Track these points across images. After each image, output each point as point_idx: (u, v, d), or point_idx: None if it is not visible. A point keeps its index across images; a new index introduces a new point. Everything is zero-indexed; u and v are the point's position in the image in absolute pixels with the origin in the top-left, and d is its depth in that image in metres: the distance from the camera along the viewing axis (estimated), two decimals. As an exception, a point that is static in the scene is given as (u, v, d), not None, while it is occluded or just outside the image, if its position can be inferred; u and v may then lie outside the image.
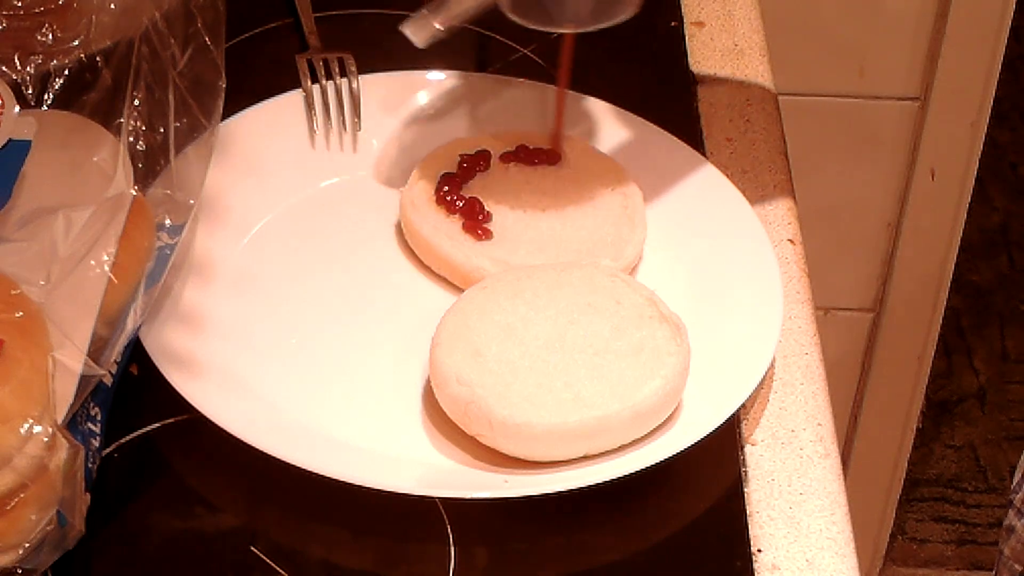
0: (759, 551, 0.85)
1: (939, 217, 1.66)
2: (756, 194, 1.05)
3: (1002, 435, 2.16)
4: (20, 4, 0.96)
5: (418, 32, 0.94)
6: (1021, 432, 2.16)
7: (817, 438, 0.91)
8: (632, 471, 0.85)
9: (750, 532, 0.86)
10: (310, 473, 0.84)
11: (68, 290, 0.83)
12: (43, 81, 0.93)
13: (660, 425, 0.89)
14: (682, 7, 1.19)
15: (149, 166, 0.93)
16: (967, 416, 2.17)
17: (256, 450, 0.85)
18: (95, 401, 0.84)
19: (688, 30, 1.17)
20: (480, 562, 0.85)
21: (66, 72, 0.93)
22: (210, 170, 0.95)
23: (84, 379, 0.81)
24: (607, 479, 0.85)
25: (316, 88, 1.07)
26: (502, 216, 0.99)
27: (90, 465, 0.83)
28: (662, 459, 0.86)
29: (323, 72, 1.08)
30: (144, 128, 0.93)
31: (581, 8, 0.93)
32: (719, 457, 0.90)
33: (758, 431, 0.91)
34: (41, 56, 0.94)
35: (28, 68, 0.93)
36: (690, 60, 1.15)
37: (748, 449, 0.90)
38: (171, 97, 0.93)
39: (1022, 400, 2.19)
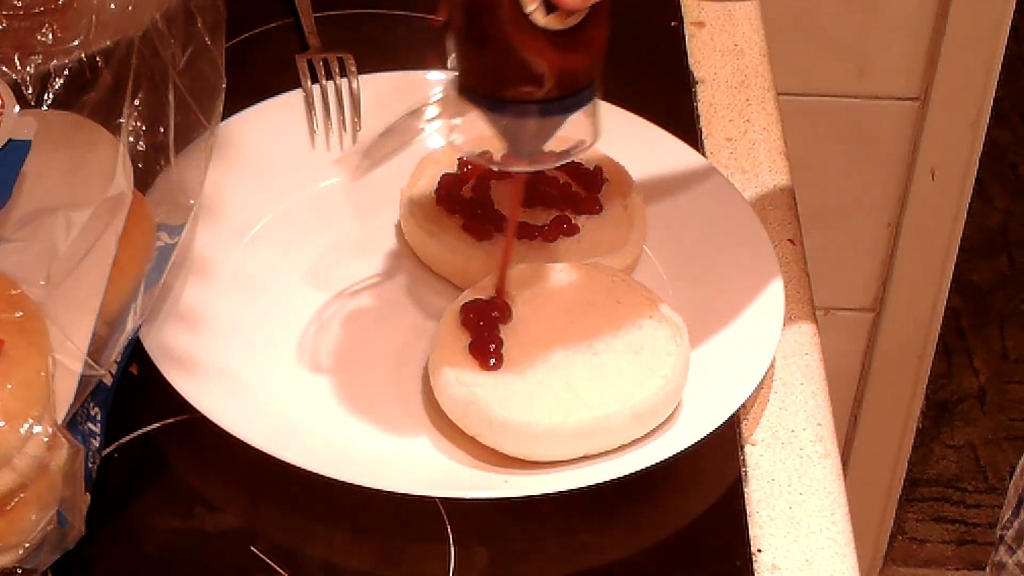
0: (759, 551, 0.85)
1: (939, 217, 1.66)
2: (756, 194, 1.05)
3: (1002, 435, 2.16)
4: (20, 4, 0.96)
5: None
6: (1021, 432, 2.16)
7: (817, 438, 0.91)
8: (632, 471, 0.85)
9: (750, 532, 0.86)
10: (310, 473, 0.84)
11: (68, 290, 0.83)
12: (43, 81, 0.93)
13: (660, 425, 0.89)
14: (682, 7, 1.19)
15: (149, 166, 0.93)
16: (967, 416, 2.17)
17: (256, 450, 0.85)
18: (95, 401, 0.84)
19: (688, 30, 1.17)
20: (480, 562, 0.85)
21: (66, 72, 0.93)
22: (210, 170, 0.95)
23: (84, 379, 0.81)
24: (607, 479, 0.85)
25: (316, 88, 1.07)
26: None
27: (90, 465, 0.83)
28: (662, 459, 0.86)
29: (323, 72, 1.08)
30: (144, 128, 0.93)
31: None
32: (719, 457, 0.90)
33: (758, 431, 0.91)
34: (41, 56, 0.94)
35: (28, 68, 0.93)
36: (690, 60, 1.15)
37: (748, 449, 0.90)
38: (171, 97, 0.93)
39: (1022, 400, 2.19)
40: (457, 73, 0.82)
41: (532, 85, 0.80)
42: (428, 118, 0.87)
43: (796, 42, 1.52)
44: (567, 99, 0.81)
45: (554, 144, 0.85)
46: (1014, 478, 1.09)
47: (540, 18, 0.77)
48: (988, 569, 1.11)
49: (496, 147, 0.99)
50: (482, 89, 0.82)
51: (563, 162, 0.87)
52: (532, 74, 0.79)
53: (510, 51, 0.78)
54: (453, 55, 0.82)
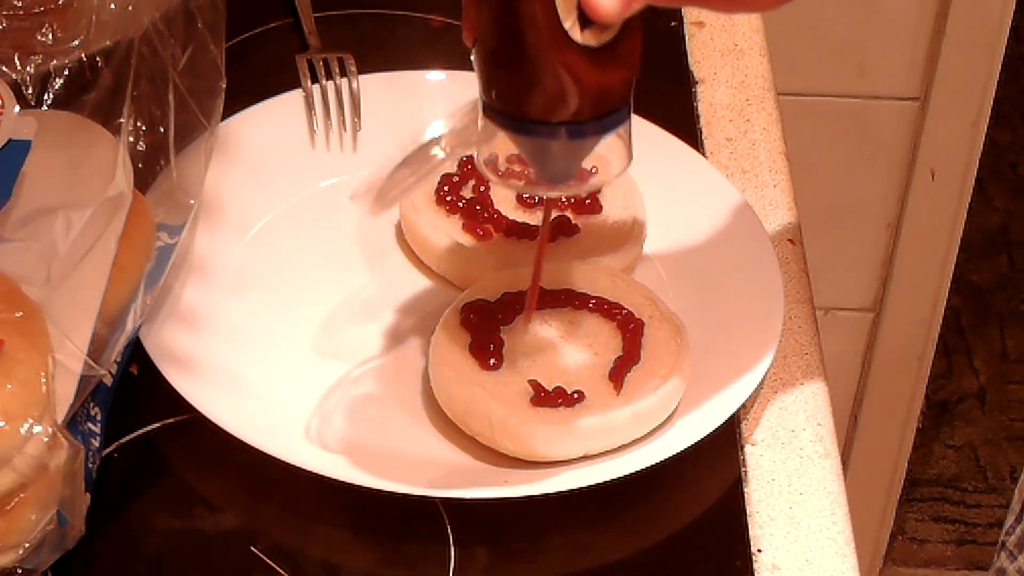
0: (759, 551, 0.85)
1: (939, 217, 1.66)
2: (756, 194, 1.05)
3: (1002, 435, 2.16)
4: (20, 4, 0.96)
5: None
6: (1021, 432, 2.16)
7: (817, 438, 0.91)
8: (632, 471, 0.85)
9: (750, 532, 0.86)
10: (310, 473, 0.84)
11: (68, 290, 0.83)
12: (43, 81, 0.93)
13: (660, 425, 0.89)
14: (682, 7, 1.19)
15: (149, 166, 0.93)
16: (967, 416, 2.17)
17: (256, 450, 0.85)
18: (95, 401, 0.84)
19: (688, 30, 1.17)
20: (480, 562, 0.85)
21: (66, 72, 0.93)
22: (210, 170, 0.95)
23: (84, 379, 0.81)
24: (607, 479, 0.85)
25: (316, 88, 1.07)
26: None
27: (90, 465, 0.83)
28: (662, 459, 0.86)
29: (323, 72, 1.08)
30: (144, 128, 0.93)
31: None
32: (719, 457, 0.89)
33: (758, 431, 0.91)
34: (41, 56, 0.94)
35: (28, 68, 0.93)
36: (690, 60, 1.15)
37: (748, 449, 0.90)
38: (171, 97, 0.93)
39: (1022, 400, 2.19)
40: (483, 95, 0.77)
41: (567, 105, 0.75)
42: (445, 146, 0.81)
43: (796, 42, 1.52)
44: (602, 119, 0.77)
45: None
46: (1019, 484, 1.09)
47: (576, 34, 0.74)
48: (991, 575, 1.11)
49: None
50: (512, 111, 0.77)
51: (592, 189, 0.82)
52: (568, 93, 0.75)
53: (546, 70, 0.74)
54: (479, 78, 0.77)
